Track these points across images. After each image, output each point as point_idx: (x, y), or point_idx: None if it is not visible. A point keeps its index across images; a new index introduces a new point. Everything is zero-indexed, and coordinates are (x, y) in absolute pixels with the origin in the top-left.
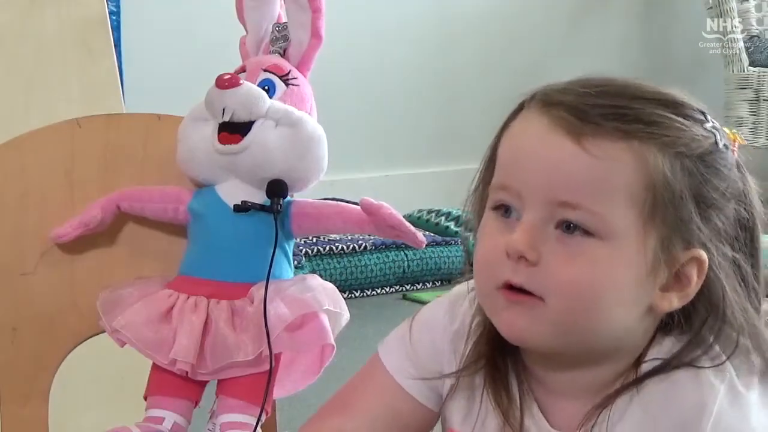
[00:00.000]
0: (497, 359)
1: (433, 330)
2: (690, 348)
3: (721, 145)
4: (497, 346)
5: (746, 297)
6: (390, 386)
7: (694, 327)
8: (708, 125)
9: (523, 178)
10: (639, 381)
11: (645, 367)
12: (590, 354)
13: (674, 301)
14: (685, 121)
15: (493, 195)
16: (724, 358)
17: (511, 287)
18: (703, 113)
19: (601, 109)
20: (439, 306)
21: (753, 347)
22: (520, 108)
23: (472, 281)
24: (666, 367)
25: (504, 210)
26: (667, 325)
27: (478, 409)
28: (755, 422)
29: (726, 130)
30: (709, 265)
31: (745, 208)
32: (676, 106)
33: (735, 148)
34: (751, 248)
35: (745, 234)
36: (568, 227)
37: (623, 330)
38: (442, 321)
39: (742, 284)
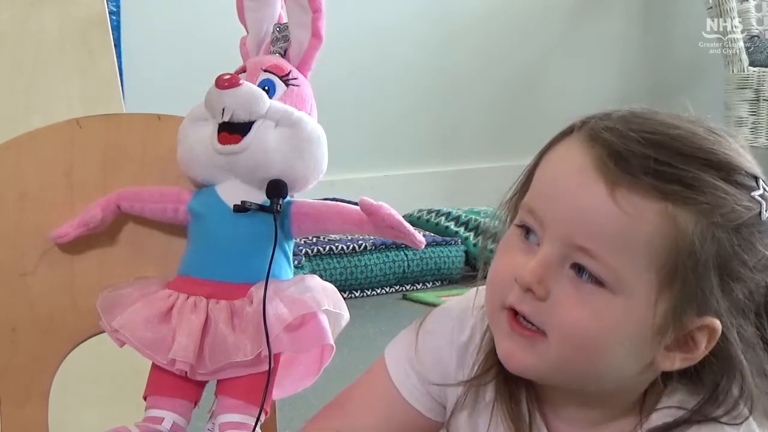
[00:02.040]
0: (509, 373)
1: (438, 341)
2: (709, 404)
3: (764, 217)
4: None
5: (761, 368)
6: (392, 395)
7: (706, 386)
8: (756, 193)
9: (550, 210)
10: None
11: (656, 417)
12: (589, 392)
13: (677, 362)
14: (730, 188)
15: (521, 213)
16: (745, 414)
17: (515, 313)
18: (756, 179)
19: (643, 161)
20: (446, 316)
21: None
22: (570, 131)
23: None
24: (685, 422)
25: (526, 231)
26: (676, 374)
27: (486, 427)
28: None
29: None
30: (723, 333)
31: None
32: (725, 170)
33: None
34: None
35: None
36: (582, 271)
37: (620, 378)
38: (449, 332)
39: (757, 355)
